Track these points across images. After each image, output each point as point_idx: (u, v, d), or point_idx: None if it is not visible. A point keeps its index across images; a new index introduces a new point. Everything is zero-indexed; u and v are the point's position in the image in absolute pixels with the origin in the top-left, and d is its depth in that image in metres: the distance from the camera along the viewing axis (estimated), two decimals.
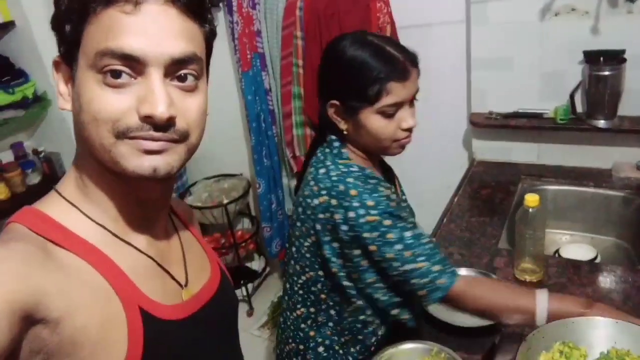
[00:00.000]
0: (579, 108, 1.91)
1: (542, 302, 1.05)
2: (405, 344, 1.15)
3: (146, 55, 0.59)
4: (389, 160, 2.49)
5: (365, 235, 1.11)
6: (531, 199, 1.36)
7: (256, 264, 3.06)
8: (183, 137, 0.64)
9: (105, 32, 0.59)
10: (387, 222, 1.10)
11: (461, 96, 2.19)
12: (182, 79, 0.63)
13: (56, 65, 0.67)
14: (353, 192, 1.12)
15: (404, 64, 1.12)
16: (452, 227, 1.76)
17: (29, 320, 0.53)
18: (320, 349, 1.30)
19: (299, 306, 1.31)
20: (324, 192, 1.16)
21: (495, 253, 1.59)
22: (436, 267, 1.10)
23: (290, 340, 1.35)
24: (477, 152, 2.20)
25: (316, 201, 1.17)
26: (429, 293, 1.11)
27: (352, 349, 1.30)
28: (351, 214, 1.11)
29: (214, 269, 0.85)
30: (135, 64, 0.60)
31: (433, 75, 2.15)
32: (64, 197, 0.68)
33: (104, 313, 0.62)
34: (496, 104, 2.06)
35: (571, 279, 1.43)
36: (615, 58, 1.76)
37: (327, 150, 1.23)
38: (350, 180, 1.14)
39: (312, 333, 1.31)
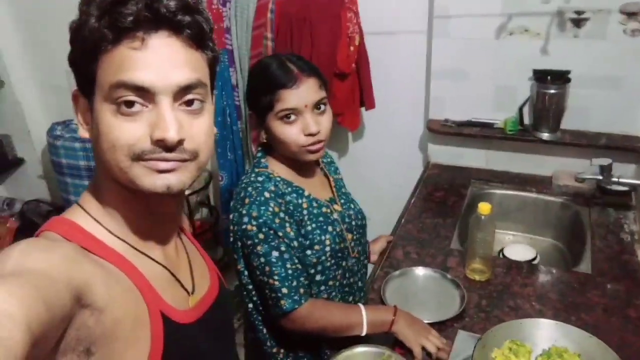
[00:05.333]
0: (526, 120, 2.09)
1: (364, 315, 1.27)
2: (359, 347, 1.23)
3: (155, 86, 0.66)
4: (349, 161, 2.61)
5: (243, 240, 1.25)
6: (484, 207, 1.50)
7: (212, 253, 3.12)
8: (193, 156, 0.71)
9: (117, 67, 0.66)
10: (261, 235, 1.21)
11: (419, 102, 2.32)
12: (189, 103, 0.70)
13: (75, 97, 0.73)
14: (247, 200, 1.23)
15: (296, 74, 1.21)
16: (410, 228, 1.89)
17: (79, 302, 0.59)
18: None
19: (246, 300, 1.39)
20: (234, 195, 1.30)
21: (448, 253, 1.73)
22: (284, 290, 1.22)
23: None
24: (432, 156, 2.34)
25: (231, 204, 1.30)
26: (272, 307, 1.26)
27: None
28: (237, 219, 1.25)
29: (212, 276, 0.93)
30: (146, 94, 0.66)
31: (394, 81, 2.29)
32: (87, 212, 0.74)
33: (134, 311, 0.70)
34: (452, 111, 2.20)
35: (514, 278, 1.59)
36: (561, 77, 1.93)
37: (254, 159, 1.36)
38: (250, 189, 1.25)
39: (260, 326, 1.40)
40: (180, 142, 0.68)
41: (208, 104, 0.73)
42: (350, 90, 2.15)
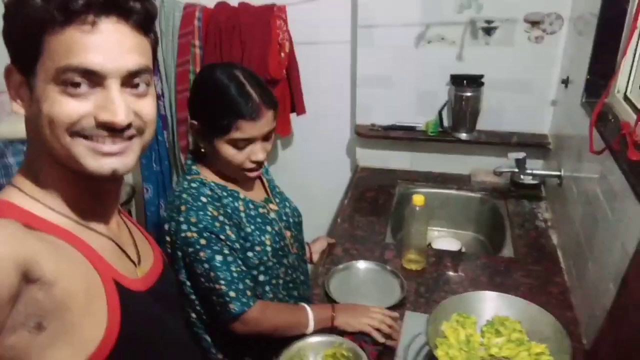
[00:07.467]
0: (446, 122, 2.24)
1: (309, 313, 1.31)
2: (312, 337, 1.28)
3: (105, 70, 0.66)
4: (280, 166, 2.63)
5: (184, 248, 1.22)
6: (418, 199, 1.59)
7: None
8: (140, 132, 0.72)
9: (66, 50, 0.65)
10: (203, 241, 1.19)
11: (345, 109, 2.41)
12: (135, 86, 0.71)
13: (8, 72, 0.70)
14: (183, 207, 1.22)
15: (258, 105, 1.20)
16: (346, 227, 1.96)
17: (26, 277, 0.57)
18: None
19: (189, 310, 1.35)
20: (167, 205, 1.28)
21: (384, 247, 1.81)
22: (232, 293, 1.20)
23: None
24: (360, 159, 2.44)
25: (163, 214, 1.27)
26: (221, 313, 1.23)
27: None
28: (176, 227, 1.22)
29: (156, 252, 0.93)
30: (94, 77, 0.66)
31: (323, 89, 2.36)
32: (22, 191, 0.72)
33: (87, 282, 0.68)
34: (378, 116, 2.31)
35: (446, 266, 1.70)
36: (476, 82, 2.10)
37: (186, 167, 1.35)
38: (184, 196, 1.23)
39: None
40: (129, 125, 0.69)
41: (152, 88, 0.75)
42: (281, 97, 2.19)
